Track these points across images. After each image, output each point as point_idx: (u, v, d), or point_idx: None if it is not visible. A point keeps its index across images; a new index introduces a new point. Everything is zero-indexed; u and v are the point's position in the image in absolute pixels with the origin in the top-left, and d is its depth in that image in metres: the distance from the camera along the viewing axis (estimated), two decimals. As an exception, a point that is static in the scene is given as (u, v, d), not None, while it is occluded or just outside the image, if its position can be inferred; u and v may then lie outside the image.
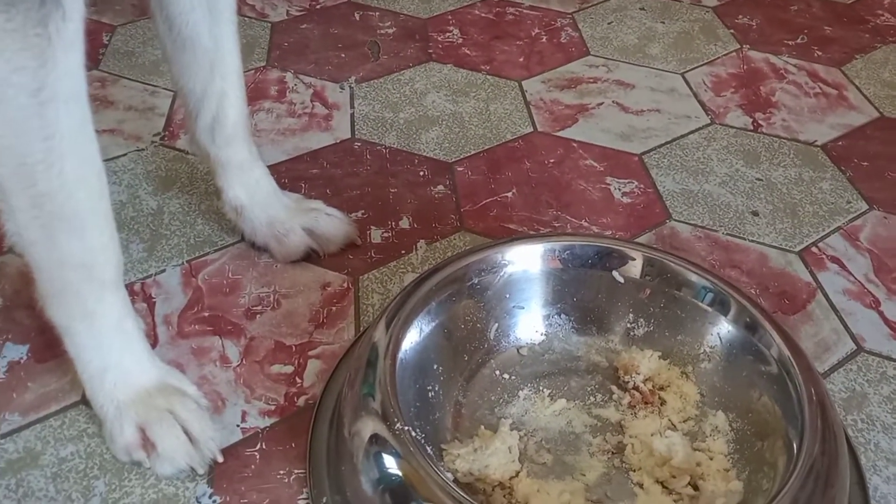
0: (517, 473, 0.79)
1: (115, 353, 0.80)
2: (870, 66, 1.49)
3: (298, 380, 0.90)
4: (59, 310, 0.78)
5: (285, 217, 1.03)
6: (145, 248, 1.06)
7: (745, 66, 1.48)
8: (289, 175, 1.17)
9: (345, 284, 1.01)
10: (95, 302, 0.77)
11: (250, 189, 1.02)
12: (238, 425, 0.85)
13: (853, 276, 1.05)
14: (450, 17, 1.61)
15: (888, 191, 1.19)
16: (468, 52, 1.50)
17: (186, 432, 0.80)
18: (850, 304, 1.01)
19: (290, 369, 0.91)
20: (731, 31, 1.59)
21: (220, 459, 0.81)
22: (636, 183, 1.19)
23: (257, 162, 1.03)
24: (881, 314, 1.00)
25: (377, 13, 1.61)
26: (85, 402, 0.85)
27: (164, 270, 1.03)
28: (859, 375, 0.92)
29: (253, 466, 0.81)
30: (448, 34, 1.55)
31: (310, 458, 0.83)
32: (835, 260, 1.07)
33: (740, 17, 1.63)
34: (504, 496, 0.77)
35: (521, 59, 1.48)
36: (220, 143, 1.00)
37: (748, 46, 1.53)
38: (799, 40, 1.56)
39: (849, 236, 1.11)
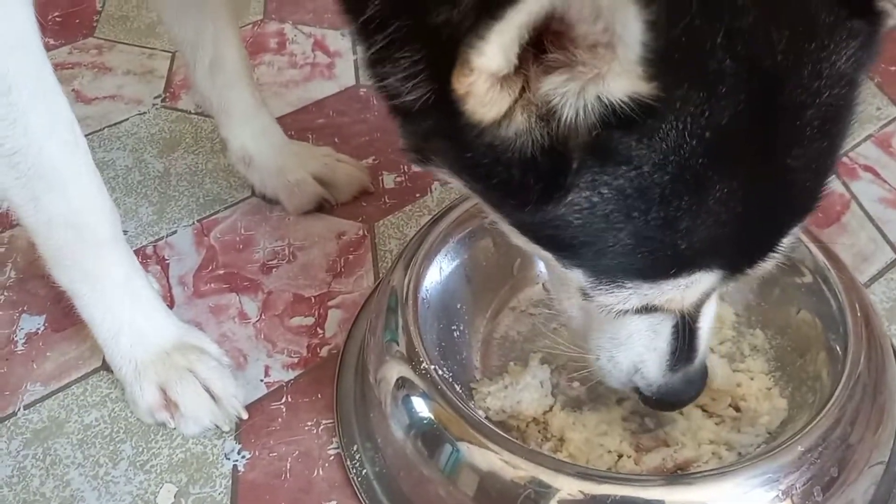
0: (551, 408, 0.76)
1: (126, 313, 0.78)
2: (892, -31, 1.42)
3: (320, 330, 0.88)
4: (61, 272, 0.76)
5: (295, 166, 1.00)
6: (154, 210, 1.03)
7: None
8: (295, 126, 1.14)
9: (360, 232, 0.98)
10: (94, 262, 0.75)
11: (257, 137, 0.99)
12: (262, 380, 0.83)
13: (888, 183, 1.01)
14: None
15: (921, 92, 1.14)
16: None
17: (209, 390, 0.78)
18: (886, 212, 0.97)
19: (310, 321, 0.89)
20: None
21: (245, 416, 0.79)
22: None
23: (262, 108, 0.99)
24: (921, 220, 0.96)
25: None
26: (106, 367, 0.84)
27: (175, 232, 1.00)
28: (901, 284, 0.88)
29: (280, 420, 0.79)
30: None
31: (337, 408, 0.81)
32: (868, 169, 1.03)
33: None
34: (539, 431, 0.75)
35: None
36: (222, 87, 0.96)
37: None
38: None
39: (881, 143, 1.06)
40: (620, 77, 0.42)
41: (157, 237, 1.00)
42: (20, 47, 0.63)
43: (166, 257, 0.97)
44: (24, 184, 0.69)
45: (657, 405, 0.70)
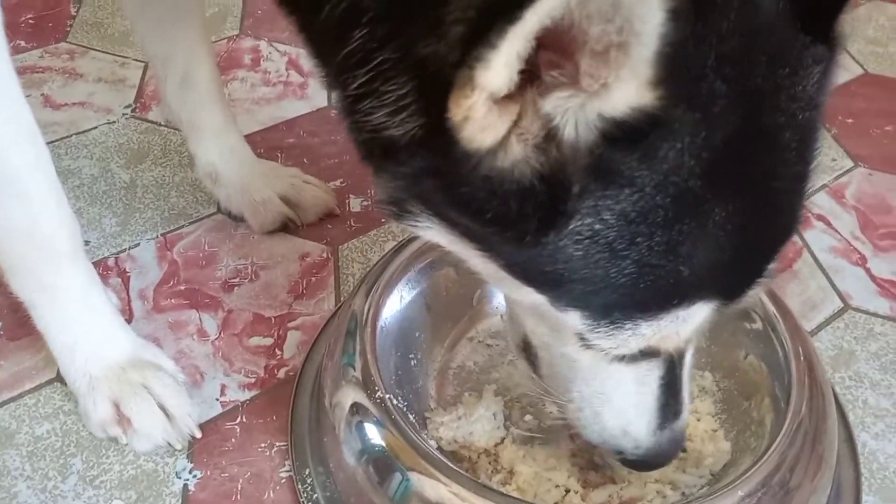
0: (502, 440, 0.78)
1: (82, 326, 0.78)
2: (855, 24, 1.47)
3: (278, 352, 0.88)
4: (19, 283, 0.76)
5: (262, 185, 1.01)
6: (118, 222, 1.03)
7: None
8: (265, 145, 1.14)
9: (324, 254, 0.99)
10: (53, 274, 0.75)
11: (225, 155, 0.99)
12: (217, 399, 0.83)
13: (839, 233, 1.04)
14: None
15: (873, 147, 1.18)
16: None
17: (163, 408, 0.78)
18: (836, 261, 1.00)
19: (269, 341, 0.89)
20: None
21: (198, 435, 0.79)
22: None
23: (232, 126, 1.00)
24: (867, 271, 0.99)
25: (352, -21, 1.58)
26: (60, 379, 0.83)
27: (138, 244, 1.00)
28: (846, 333, 0.91)
29: (233, 440, 0.80)
30: None
31: (291, 430, 0.81)
32: (821, 218, 1.06)
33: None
34: (489, 462, 0.76)
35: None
36: (192, 103, 0.96)
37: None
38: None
39: (834, 194, 1.10)
40: (627, 85, 0.41)
41: (119, 249, 1.00)
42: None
43: (127, 270, 0.97)
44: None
45: (641, 467, 0.69)
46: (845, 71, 1.34)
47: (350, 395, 0.76)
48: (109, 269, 0.97)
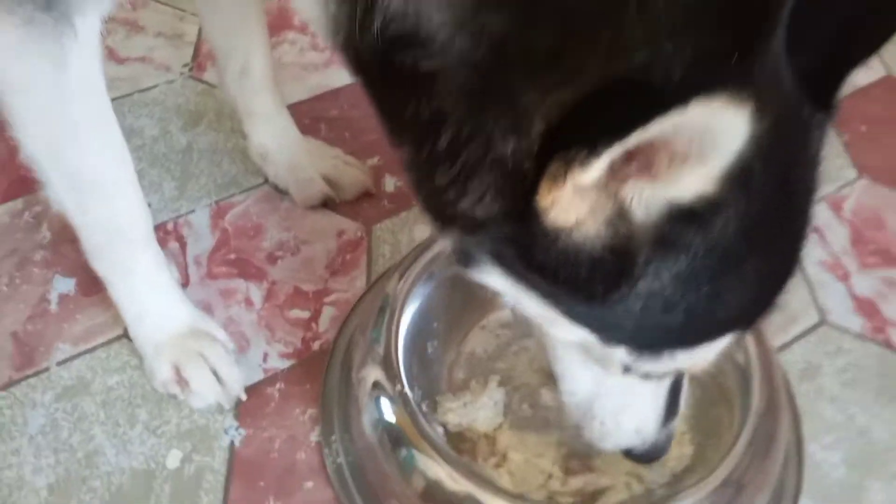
0: (500, 425, 0.91)
1: (149, 301, 0.91)
2: (887, 17, 1.49)
3: (314, 325, 1.01)
4: (98, 262, 0.89)
5: (307, 164, 1.11)
6: (176, 186, 1.15)
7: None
8: (310, 115, 1.24)
9: (359, 233, 1.11)
10: (128, 259, 0.88)
11: (275, 137, 1.10)
12: (260, 365, 0.97)
13: (831, 247, 1.13)
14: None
15: (881, 158, 1.25)
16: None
17: (215, 373, 0.92)
18: (823, 275, 1.09)
19: (307, 314, 1.02)
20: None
21: (244, 398, 0.93)
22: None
23: (282, 111, 1.10)
24: (849, 287, 1.08)
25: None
26: (127, 335, 0.97)
27: (193, 211, 1.12)
28: (818, 347, 1.02)
29: (273, 404, 0.94)
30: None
31: (323, 399, 0.95)
32: (816, 230, 1.15)
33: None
34: (487, 445, 0.90)
35: None
36: (248, 93, 1.07)
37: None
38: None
39: (834, 205, 1.18)
40: (697, 179, 0.49)
41: (177, 214, 1.12)
42: (89, 94, 0.74)
43: (185, 236, 1.09)
44: (76, 194, 0.81)
45: (646, 459, 0.82)
46: (869, 70, 1.39)
47: (373, 373, 0.89)
48: (168, 234, 1.09)
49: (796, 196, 0.59)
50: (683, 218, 0.52)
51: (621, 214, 0.53)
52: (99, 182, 0.80)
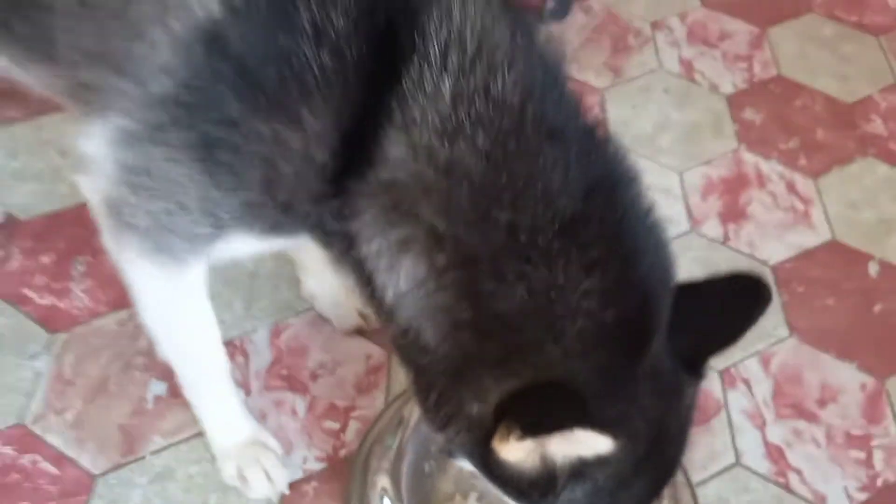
0: (474, 534, 1.22)
1: (222, 420, 1.24)
2: (843, 181, 1.76)
3: (342, 435, 1.33)
4: (187, 391, 1.21)
5: (345, 301, 1.43)
6: (244, 306, 1.47)
7: (736, 169, 1.77)
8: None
9: (382, 358, 1.42)
10: (209, 392, 1.21)
11: (321, 284, 1.41)
12: (300, 466, 1.29)
13: (754, 397, 1.42)
14: (500, 83, 1.91)
15: (811, 319, 1.53)
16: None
17: (267, 475, 1.24)
18: (744, 422, 1.38)
19: (337, 426, 1.34)
20: (737, 126, 1.86)
21: (287, 493, 1.25)
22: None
23: (327, 266, 1.41)
24: (763, 434, 1.37)
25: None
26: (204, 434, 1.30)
27: (256, 330, 1.44)
28: (728, 485, 1.31)
29: (308, 499, 1.26)
30: (496, 102, 1.86)
31: (346, 497, 1.27)
32: (745, 381, 1.44)
33: (748, 109, 1.89)
34: (463, 549, 1.21)
35: (551, 140, 1.80)
36: (301, 252, 1.38)
37: (745, 146, 1.82)
38: (791, 144, 1.83)
39: (763, 361, 1.47)
40: (591, 450, 0.78)
41: (243, 331, 1.44)
42: (192, 297, 1.06)
43: (248, 351, 1.42)
44: (175, 351, 1.13)
45: None
46: (816, 235, 1.66)
47: (382, 480, 1.22)
48: (236, 349, 1.42)
49: (673, 435, 0.88)
50: (588, 462, 0.81)
51: (547, 459, 0.82)
52: (195, 351, 1.13)
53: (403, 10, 0.76)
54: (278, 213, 0.85)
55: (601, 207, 0.79)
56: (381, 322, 0.90)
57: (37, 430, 1.29)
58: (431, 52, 0.76)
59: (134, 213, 0.87)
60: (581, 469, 0.81)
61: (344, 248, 0.86)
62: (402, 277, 0.82)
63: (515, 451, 0.81)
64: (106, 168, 0.86)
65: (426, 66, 0.76)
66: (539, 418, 0.76)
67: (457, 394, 0.84)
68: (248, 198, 0.83)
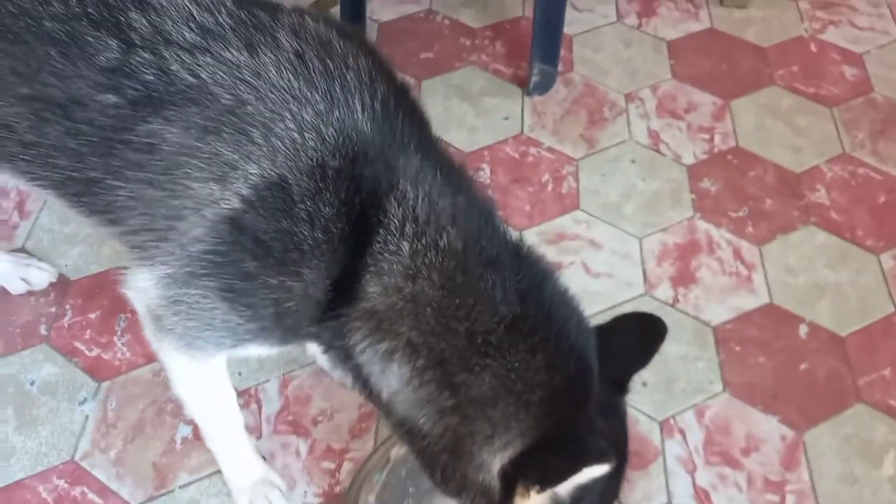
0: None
1: (237, 465, 1.51)
2: (784, 248, 2.00)
3: (337, 474, 1.60)
4: (211, 446, 1.48)
5: (344, 362, 1.70)
6: (258, 361, 1.73)
7: (689, 237, 2.01)
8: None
9: (370, 407, 1.68)
10: (226, 444, 1.48)
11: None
12: (302, 500, 1.56)
13: (688, 446, 1.66)
14: (485, 154, 2.17)
15: (742, 375, 1.77)
16: (490, 194, 2.07)
17: (274, 509, 1.52)
18: (677, 467, 1.63)
19: (333, 466, 1.61)
20: (693, 195, 2.10)
21: (290, 525, 1.53)
22: (574, 345, 1.80)
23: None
24: (693, 479, 1.62)
25: (434, 142, 2.17)
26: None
27: (268, 381, 1.71)
28: (658, 522, 1.56)
29: (307, 528, 1.53)
30: (480, 172, 2.12)
31: (338, 528, 1.53)
32: (681, 431, 1.68)
33: (706, 180, 2.13)
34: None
35: (528, 208, 2.05)
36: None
37: (699, 215, 2.06)
38: (741, 213, 2.06)
39: (699, 413, 1.71)
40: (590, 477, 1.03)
41: (257, 382, 1.71)
42: (215, 378, 1.33)
43: (261, 399, 1.69)
44: (201, 416, 1.41)
45: None
46: (756, 298, 1.90)
47: (370, 512, 1.49)
48: (251, 397, 1.69)
49: (622, 436, 1.16)
50: (585, 486, 1.03)
51: (557, 496, 1.05)
52: (213, 410, 1.40)
53: (372, 198, 1.03)
54: (287, 334, 1.12)
55: (533, 305, 1.07)
56: (382, 415, 1.16)
57: (85, 465, 1.57)
58: (392, 225, 1.04)
59: (172, 325, 1.14)
60: (580, 493, 1.05)
61: (342, 357, 1.13)
62: (393, 379, 1.08)
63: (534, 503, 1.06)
64: (151, 295, 1.13)
65: (389, 234, 1.04)
66: (550, 472, 1.01)
67: (460, 469, 1.09)
68: (262, 324, 1.10)
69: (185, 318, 1.12)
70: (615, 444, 1.09)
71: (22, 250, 1.87)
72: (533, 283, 1.08)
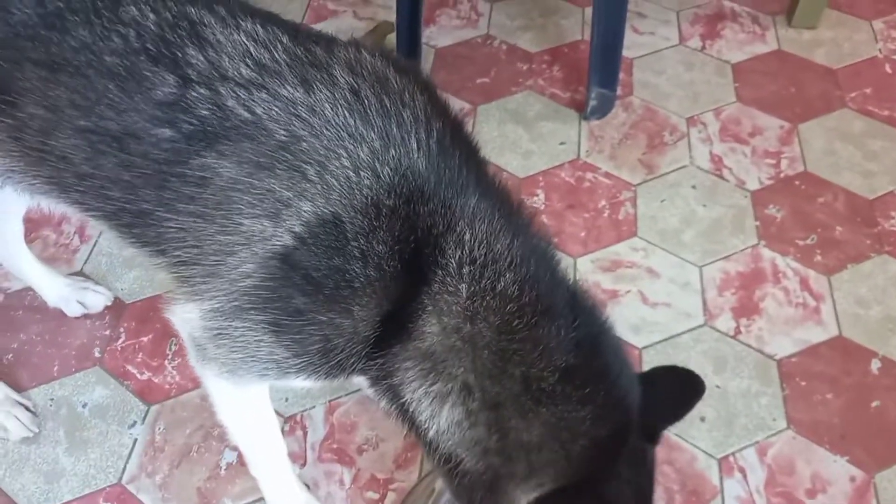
0: None
1: (281, 492, 1.49)
2: (855, 279, 1.89)
3: (381, 504, 1.57)
4: (254, 473, 1.47)
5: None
6: (304, 388, 1.72)
7: (753, 265, 1.93)
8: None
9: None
10: (270, 472, 1.46)
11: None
12: (344, 531, 1.53)
13: (748, 486, 1.58)
14: (540, 179, 2.13)
15: (808, 412, 1.67)
16: (545, 220, 2.03)
17: (316, 536, 1.49)
18: (736, 508, 1.55)
19: (377, 496, 1.57)
20: (757, 222, 2.01)
21: (331, 553, 1.50)
22: (629, 376, 1.73)
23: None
24: (752, 521, 1.53)
25: (488, 167, 2.14)
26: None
27: (314, 407, 1.70)
28: (717, 565, 1.48)
29: (349, 559, 1.50)
30: (535, 198, 2.08)
31: (380, 560, 1.50)
32: (741, 470, 1.60)
33: (771, 206, 2.05)
34: None
35: (583, 234, 2.00)
36: None
37: (764, 243, 1.97)
38: (809, 240, 1.97)
39: (760, 451, 1.62)
40: None
41: (303, 408, 1.69)
42: (259, 401, 1.32)
43: (307, 426, 1.67)
44: (244, 442, 1.40)
45: None
46: (824, 331, 1.81)
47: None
48: (296, 423, 1.67)
49: (647, 487, 1.12)
50: None
51: None
52: (256, 437, 1.39)
53: (427, 237, 1.02)
54: (333, 369, 1.10)
55: (587, 355, 1.06)
56: (425, 451, 1.14)
57: (132, 489, 1.58)
58: (451, 266, 1.02)
59: (215, 355, 1.14)
60: None
61: (389, 394, 1.12)
62: (443, 420, 1.07)
63: None
64: (195, 326, 1.13)
65: (448, 275, 1.02)
66: None
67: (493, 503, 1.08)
68: (308, 360, 1.08)
69: (228, 349, 1.11)
70: (638, 493, 1.09)
71: (80, 274, 1.91)
72: (588, 333, 1.07)
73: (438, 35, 2.53)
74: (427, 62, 2.44)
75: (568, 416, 1.03)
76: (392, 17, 2.37)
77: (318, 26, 2.52)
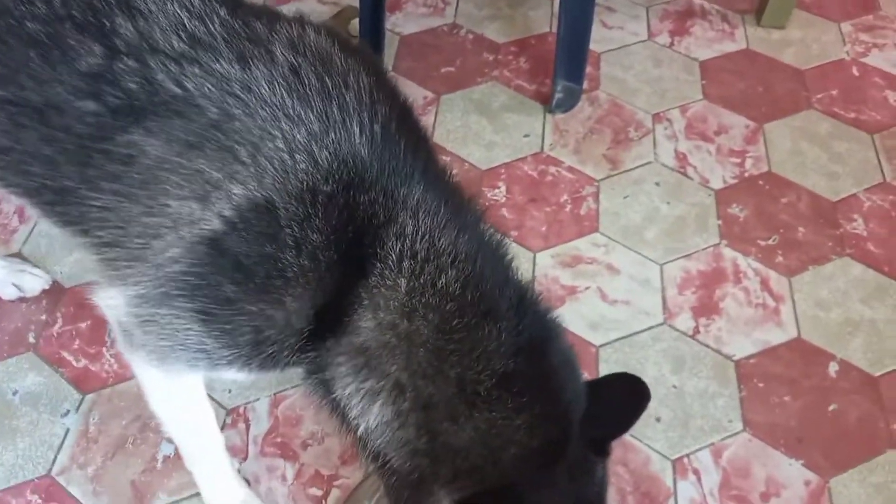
0: None
1: (217, 488, 1.43)
2: (815, 280, 1.87)
3: (324, 502, 1.50)
4: (189, 467, 1.41)
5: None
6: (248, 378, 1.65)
7: (714, 264, 1.89)
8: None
9: (366, 432, 1.59)
10: (206, 465, 1.40)
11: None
12: (285, 528, 1.47)
13: (702, 488, 1.54)
14: (502, 171, 2.08)
15: (765, 415, 1.64)
16: (506, 214, 1.98)
17: (254, 533, 1.43)
18: (687, 510, 1.51)
19: (320, 492, 1.51)
20: (720, 221, 1.98)
21: (271, 552, 1.44)
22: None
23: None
24: (704, 524, 1.50)
25: (448, 158, 2.09)
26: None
27: (258, 399, 1.63)
28: (667, 569, 1.44)
29: (288, 558, 1.44)
30: (496, 190, 2.03)
31: (320, 559, 1.44)
32: (695, 472, 1.56)
33: (734, 205, 2.02)
34: None
35: (544, 229, 1.95)
36: None
37: (726, 242, 1.94)
38: (771, 241, 1.94)
39: (716, 452, 1.59)
40: None
41: (247, 400, 1.63)
42: (189, 392, 1.26)
43: (250, 419, 1.60)
44: (178, 435, 1.33)
45: None
46: (783, 332, 1.78)
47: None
48: (239, 416, 1.61)
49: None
50: None
51: None
52: (190, 429, 1.32)
53: (367, 228, 0.96)
54: (265, 361, 1.04)
55: (528, 363, 1.00)
56: (356, 447, 1.09)
57: (61, 481, 1.50)
58: (390, 259, 0.96)
59: (143, 342, 1.07)
60: None
61: (321, 388, 1.06)
62: (373, 418, 1.02)
63: None
64: (121, 312, 1.06)
65: (386, 269, 0.97)
66: None
67: (419, 502, 1.03)
68: (239, 351, 1.02)
69: (156, 336, 1.04)
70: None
71: (18, 255, 1.83)
72: (533, 338, 1.01)
73: (404, 22, 2.48)
74: (392, 49, 2.38)
75: (501, 423, 0.97)
76: (356, 2, 2.31)
77: (280, 10, 2.45)
